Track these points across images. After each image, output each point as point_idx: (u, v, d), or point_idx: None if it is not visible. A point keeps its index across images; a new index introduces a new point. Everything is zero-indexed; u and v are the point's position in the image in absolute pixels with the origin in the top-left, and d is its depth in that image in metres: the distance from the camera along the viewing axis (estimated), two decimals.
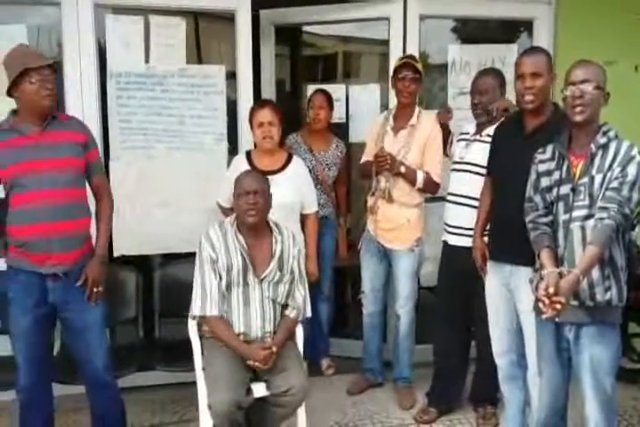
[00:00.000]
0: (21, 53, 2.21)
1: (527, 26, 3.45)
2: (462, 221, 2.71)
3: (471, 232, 2.63)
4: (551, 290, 1.76)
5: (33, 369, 2.25)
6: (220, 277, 2.34)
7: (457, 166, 2.77)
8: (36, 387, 2.27)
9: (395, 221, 2.94)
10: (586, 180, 1.92)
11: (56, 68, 2.25)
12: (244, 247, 2.33)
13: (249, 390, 2.27)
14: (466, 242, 2.67)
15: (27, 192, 2.16)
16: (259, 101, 2.97)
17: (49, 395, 2.37)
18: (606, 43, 3.30)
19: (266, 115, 2.76)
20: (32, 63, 2.13)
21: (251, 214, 2.29)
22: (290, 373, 2.26)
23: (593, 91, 1.91)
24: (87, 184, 2.37)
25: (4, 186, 2.22)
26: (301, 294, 2.48)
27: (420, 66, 2.87)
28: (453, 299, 2.80)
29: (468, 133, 2.78)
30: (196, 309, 2.33)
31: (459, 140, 2.82)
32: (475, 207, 2.64)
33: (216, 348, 2.34)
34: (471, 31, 3.66)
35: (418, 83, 2.88)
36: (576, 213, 1.92)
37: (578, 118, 1.93)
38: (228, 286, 2.34)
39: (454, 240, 2.77)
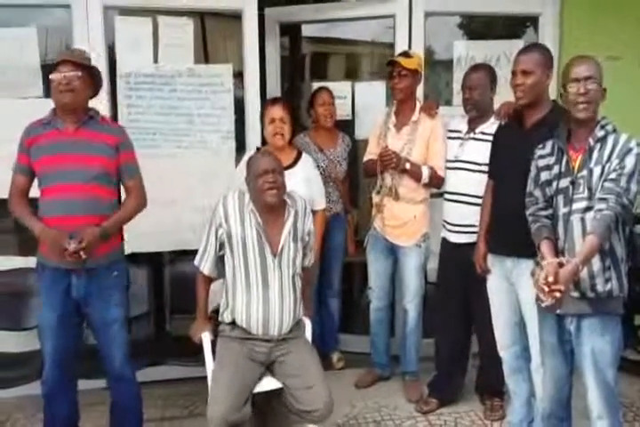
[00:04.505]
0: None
1: (533, 21, 3.46)
2: (461, 218, 2.75)
3: (470, 229, 2.68)
4: (550, 278, 1.79)
5: (58, 363, 2.30)
6: (232, 251, 2.34)
7: (453, 165, 2.81)
8: (60, 380, 2.32)
9: (401, 217, 2.97)
10: (585, 173, 1.95)
11: (87, 64, 2.27)
12: (259, 224, 2.31)
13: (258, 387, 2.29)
14: (465, 239, 2.73)
15: (51, 185, 2.23)
16: (271, 99, 3.01)
17: (73, 389, 2.43)
18: (611, 38, 3.32)
19: (277, 111, 2.80)
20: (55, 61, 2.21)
21: (272, 193, 2.27)
22: (316, 391, 2.22)
23: (596, 88, 1.93)
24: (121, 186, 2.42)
25: (37, 178, 2.28)
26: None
27: (411, 62, 2.87)
28: (454, 294, 2.84)
29: (459, 131, 2.81)
30: (196, 259, 2.44)
31: (451, 138, 2.85)
32: (473, 204, 2.68)
33: (226, 351, 2.35)
34: (477, 27, 3.68)
35: (409, 79, 2.89)
36: (576, 206, 1.95)
37: (582, 115, 1.94)
38: (247, 268, 2.32)
39: (454, 238, 2.81)
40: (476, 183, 2.65)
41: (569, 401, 2.16)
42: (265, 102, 2.95)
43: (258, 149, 2.96)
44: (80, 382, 2.50)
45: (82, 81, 2.24)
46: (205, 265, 2.42)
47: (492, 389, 2.90)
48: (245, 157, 2.92)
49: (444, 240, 2.89)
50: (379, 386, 3.24)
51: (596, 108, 1.96)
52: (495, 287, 2.52)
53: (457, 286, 2.80)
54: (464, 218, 2.74)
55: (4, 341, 2.79)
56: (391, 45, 3.38)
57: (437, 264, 3.00)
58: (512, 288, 2.42)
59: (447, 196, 2.85)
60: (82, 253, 2.14)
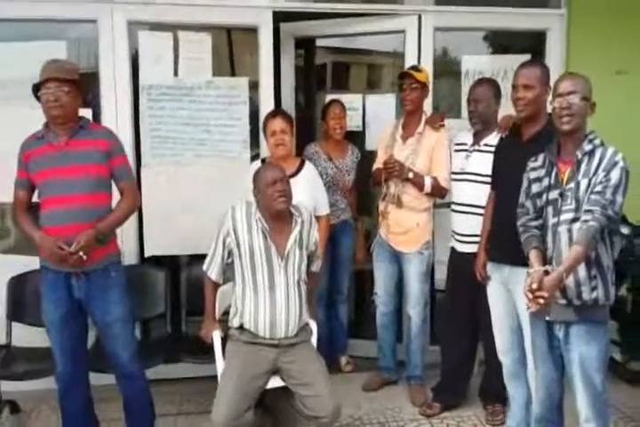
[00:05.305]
0: (41, 70, 2.36)
1: (541, 37, 3.52)
2: (467, 228, 2.83)
3: (477, 239, 2.75)
4: (534, 286, 1.88)
5: (67, 358, 2.44)
6: (240, 258, 2.45)
7: (458, 177, 2.89)
8: (71, 374, 2.47)
9: (404, 225, 3.07)
10: (572, 185, 2.03)
11: (72, 79, 2.35)
12: (266, 229, 2.42)
13: (264, 392, 2.40)
14: (472, 248, 2.79)
15: (48, 197, 2.36)
16: (271, 111, 3.12)
17: (85, 382, 2.56)
18: (618, 53, 3.39)
19: (278, 123, 2.92)
20: (40, 79, 2.33)
21: (282, 201, 2.38)
22: (323, 400, 2.30)
23: (579, 102, 2.01)
24: (115, 189, 2.50)
25: (37, 190, 2.42)
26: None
27: (421, 75, 2.99)
28: (461, 302, 2.91)
29: (465, 144, 2.90)
30: (204, 265, 2.56)
31: (457, 151, 2.94)
32: (478, 215, 2.76)
33: (235, 354, 2.44)
34: (485, 42, 3.73)
35: (419, 92, 3.01)
36: (563, 217, 2.03)
37: (565, 128, 2.03)
38: (254, 273, 2.43)
39: (461, 247, 2.89)
40: (482, 194, 2.74)
41: (560, 405, 2.22)
42: (266, 115, 3.07)
43: (263, 160, 3.09)
44: (97, 376, 2.64)
45: (69, 95, 2.33)
46: (213, 271, 2.54)
47: (495, 394, 2.96)
48: (253, 167, 3.03)
49: (453, 250, 2.98)
50: (385, 390, 3.33)
51: (579, 121, 2.04)
52: (494, 294, 2.61)
53: (464, 294, 2.88)
54: (471, 228, 2.81)
55: (37, 336, 2.88)
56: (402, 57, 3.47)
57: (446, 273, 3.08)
58: (510, 295, 2.50)
59: (454, 206, 2.93)
60: (81, 254, 2.25)
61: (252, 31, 3.34)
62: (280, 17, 3.40)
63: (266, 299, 2.43)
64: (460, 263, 2.89)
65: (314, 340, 2.61)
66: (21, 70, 3.02)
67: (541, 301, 1.86)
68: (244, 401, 2.30)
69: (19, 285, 3.03)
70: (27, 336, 2.98)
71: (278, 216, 2.45)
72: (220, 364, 2.52)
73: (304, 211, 2.55)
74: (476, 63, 3.50)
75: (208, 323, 2.61)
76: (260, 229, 2.44)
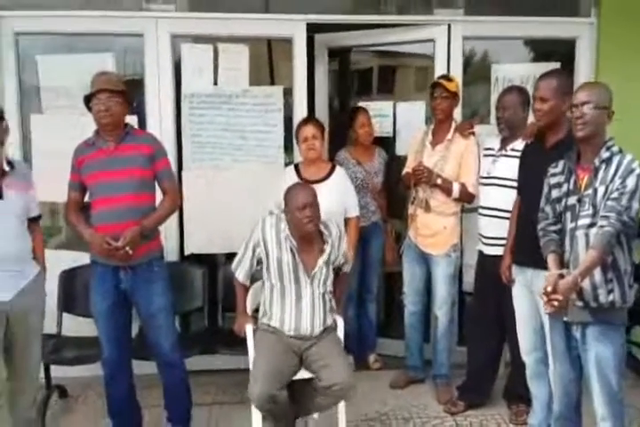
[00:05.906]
0: (91, 82, 2.57)
1: (571, 44, 3.57)
2: (494, 231, 2.90)
3: (503, 241, 2.82)
4: (549, 289, 1.97)
5: (113, 345, 2.64)
6: (268, 268, 2.59)
7: (485, 181, 2.97)
8: (116, 360, 2.66)
9: (432, 227, 3.16)
10: (590, 191, 2.10)
11: (121, 89, 2.54)
12: (294, 246, 2.54)
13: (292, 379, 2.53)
14: (499, 251, 2.86)
15: (98, 198, 2.57)
16: (303, 119, 3.26)
17: (129, 369, 2.76)
18: None
19: (309, 130, 3.06)
20: (91, 90, 2.54)
21: (309, 227, 2.50)
22: (335, 370, 2.44)
23: (592, 111, 2.09)
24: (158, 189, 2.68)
25: (89, 192, 2.63)
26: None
27: (452, 85, 3.10)
28: (487, 304, 2.98)
29: (493, 149, 2.97)
30: (233, 265, 2.72)
31: (485, 156, 3.02)
32: (504, 218, 2.83)
33: (265, 342, 2.59)
34: (515, 50, 3.75)
35: (449, 101, 3.11)
36: (581, 222, 2.11)
37: (579, 134, 2.12)
38: (282, 283, 2.56)
39: (488, 250, 2.96)
40: (508, 198, 2.80)
41: (578, 404, 2.29)
42: (298, 123, 3.20)
43: (296, 165, 3.22)
44: (139, 366, 2.82)
45: (118, 105, 2.54)
46: (240, 273, 2.70)
47: (519, 395, 3.01)
48: (287, 172, 3.19)
49: (480, 253, 3.05)
50: (411, 387, 3.42)
51: (593, 129, 2.11)
52: (518, 296, 2.68)
53: (491, 296, 2.95)
54: (497, 231, 2.88)
55: (85, 327, 3.07)
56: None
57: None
58: (533, 297, 2.57)
59: (481, 210, 3.01)
60: (127, 248, 2.44)
61: (288, 42, 3.51)
62: (315, 27, 3.55)
63: (292, 308, 2.58)
64: (487, 266, 2.97)
65: (340, 333, 2.73)
66: (73, 80, 3.26)
67: (555, 303, 1.95)
68: (278, 377, 2.44)
69: (69, 278, 3.25)
70: (75, 326, 3.19)
71: (307, 236, 2.57)
72: (252, 354, 2.67)
73: (333, 228, 2.66)
74: (506, 71, 3.57)
75: (240, 317, 2.76)
76: (289, 247, 2.57)
